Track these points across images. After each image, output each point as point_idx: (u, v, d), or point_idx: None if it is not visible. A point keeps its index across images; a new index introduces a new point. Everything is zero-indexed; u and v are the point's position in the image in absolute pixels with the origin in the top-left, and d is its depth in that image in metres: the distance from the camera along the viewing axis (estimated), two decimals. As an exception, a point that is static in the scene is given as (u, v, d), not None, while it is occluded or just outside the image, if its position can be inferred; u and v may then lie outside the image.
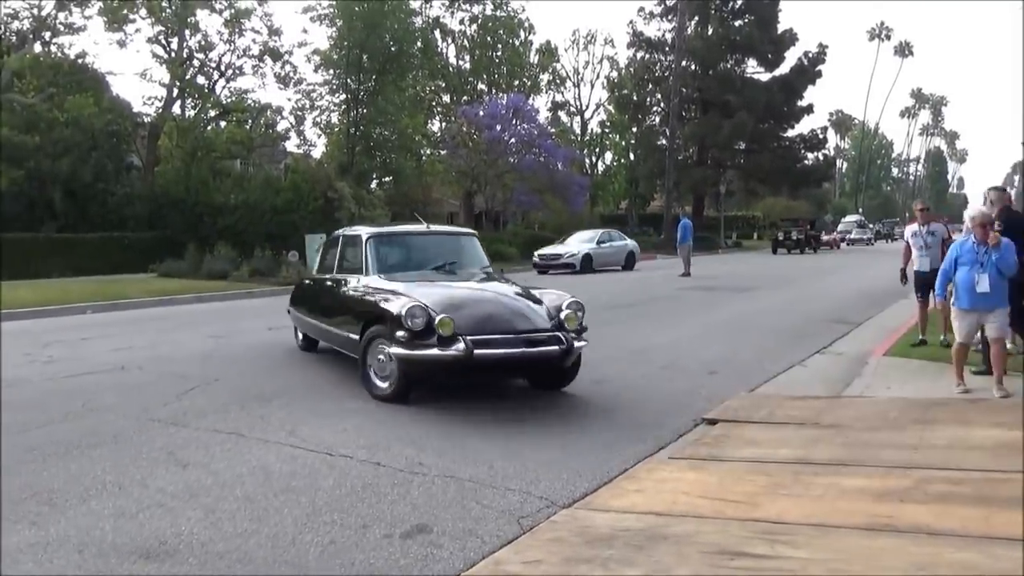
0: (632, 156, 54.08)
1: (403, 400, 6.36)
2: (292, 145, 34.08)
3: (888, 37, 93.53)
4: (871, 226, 64.68)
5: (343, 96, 31.06)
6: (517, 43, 45.61)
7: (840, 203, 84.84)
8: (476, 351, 5.96)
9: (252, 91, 35.01)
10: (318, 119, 32.93)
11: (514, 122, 35.94)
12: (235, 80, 30.13)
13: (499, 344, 6.10)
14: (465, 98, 41.78)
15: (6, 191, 24.13)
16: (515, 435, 5.49)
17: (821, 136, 52.32)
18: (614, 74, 53.43)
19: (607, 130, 55.58)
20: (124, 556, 3.51)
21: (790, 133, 51.22)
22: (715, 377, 7.53)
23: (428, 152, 38.00)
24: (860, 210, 79.31)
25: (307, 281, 9.58)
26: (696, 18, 50.06)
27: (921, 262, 8.95)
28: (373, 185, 32.51)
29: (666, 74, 49.32)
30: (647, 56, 51.21)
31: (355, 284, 7.60)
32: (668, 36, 49.62)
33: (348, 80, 30.25)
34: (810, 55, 49.32)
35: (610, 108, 54.19)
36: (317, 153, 34.74)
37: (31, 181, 24.90)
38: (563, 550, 3.47)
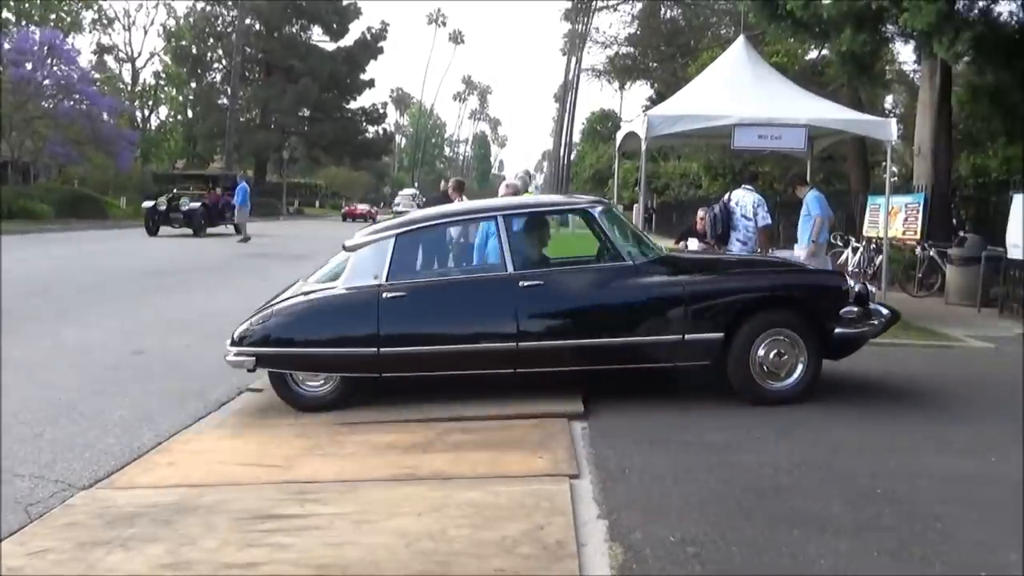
0: (191, 113, 51.08)
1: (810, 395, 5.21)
2: None
3: (444, 24, 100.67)
4: (423, 199, 69.00)
5: None
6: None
7: (399, 177, 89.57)
8: None
9: None
10: None
11: (49, 61, 31.61)
12: None
13: None
14: (-15, 26, 35.65)
15: None
16: (33, 414, 4.90)
17: (382, 111, 54.72)
18: (171, 22, 49.84)
19: (162, 82, 51.70)
20: None
21: (353, 105, 52.73)
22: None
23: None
24: (416, 184, 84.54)
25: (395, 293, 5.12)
26: (261, -24, 48.75)
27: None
28: None
29: (229, 30, 47.35)
30: (208, 8, 48.67)
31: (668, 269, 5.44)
32: (231, -9, 47.64)
33: None
34: (373, 30, 51.17)
35: (166, 59, 50.45)
36: None
37: None
38: (78, 534, 3.20)
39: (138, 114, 48.31)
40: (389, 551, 3.06)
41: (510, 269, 5.18)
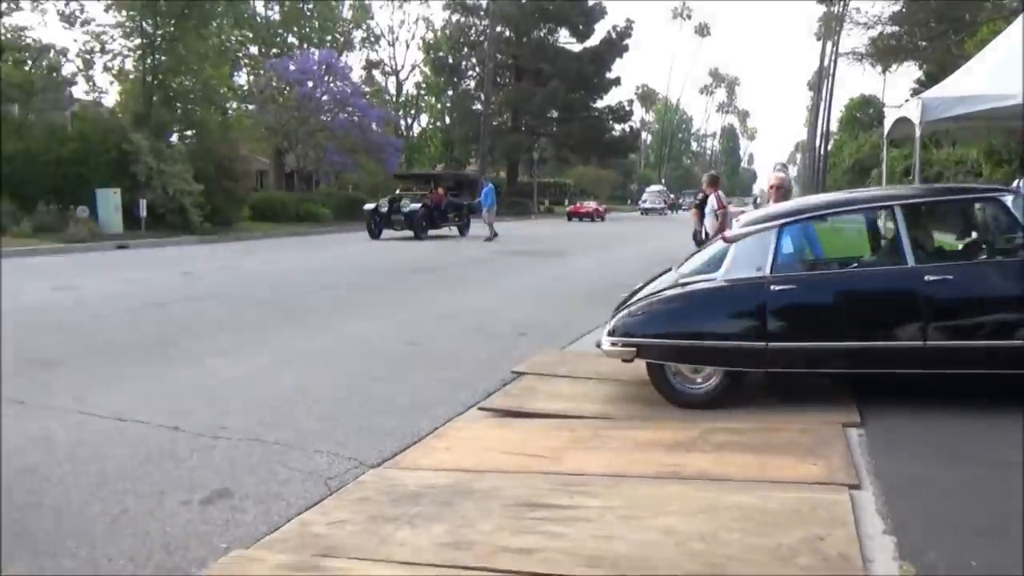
0: (448, 119, 54.13)
1: None
2: (80, 91, 31.33)
3: (689, 17, 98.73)
4: (670, 196, 67.92)
5: (138, 40, 28.83)
6: (330, -4, 44.19)
7: (645, 173, 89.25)
8: None
9: (31, 28, 31.78)
10: (110, 64, 30.38)
11: (327, 79, 34.88)
12: (11, 15, 27.21)
13: None
14: (275, 51, 40.01)
15: None
16: (325, 398, 5.41)
17: (628, 108, 54.55)
18: (430, 35, 53.09)
19: (423, 92, 55.26)
20: None
21: (599, 104, 53.03)
22: (525, 339, 7.75)
23: (235, 106, 36.17)
24: (663, 180, 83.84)
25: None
26: (511, -16, 50.50)
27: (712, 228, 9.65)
28: (174, 138, 30.50)
29: (481, 39, 49.56)
30: (463, 19, 51.22)
31: None
32: (483, 0, 49.79)
33: (144, 23, 28.08)
34: (618, 28, 51.13)
35: (426, 70, 53.86)
36: (110, 102, 32.15)
37: None
38: (369, 509, 3.48)
39: (402, 122, 52.04)
40: (659, 548, 3.04)
41: (911, 262, 4.84)
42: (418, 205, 23.59)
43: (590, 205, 45.18)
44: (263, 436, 4.54)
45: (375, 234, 23.61)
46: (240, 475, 3.94)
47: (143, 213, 22.05)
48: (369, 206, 24.55)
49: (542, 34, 50.96)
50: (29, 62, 27.92)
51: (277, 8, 42.56)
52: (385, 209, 23.83)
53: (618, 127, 53.92)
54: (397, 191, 26.03)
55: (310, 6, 42.92)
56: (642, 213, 55.95)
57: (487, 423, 4.92)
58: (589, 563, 2.93)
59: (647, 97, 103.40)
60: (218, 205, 24.63)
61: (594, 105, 52.72)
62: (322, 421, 4.86)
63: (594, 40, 51.38)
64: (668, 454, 4.20)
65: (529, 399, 5.31)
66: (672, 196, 68.77)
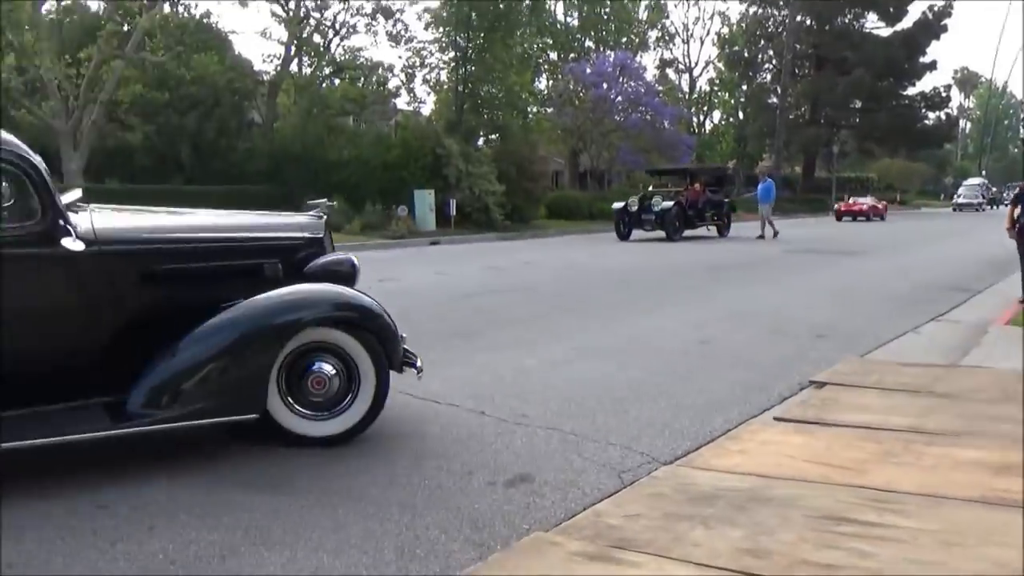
0: (741, 115, 52.47)
1: None
2: (402, 102, 34.54)
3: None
4: (991, 190, 59.81)
5: (452, 54, 31.16)
6: (626, -1, 44.64)
7: (963, 165, 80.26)
8: None
9: (365, 49, 35.56)
10: (428, 77, 33.27)
11: (621, 80, 35.30)
12: (349, 38, 30.78)
13: None
14: (572, 55, 41.23)
15: (139, 145, 25.39)
16: (618, 391, 5.47)
17: (944, 94, 49.35)
18: (725, 30, 51.73)
19: (716, 88, 54.04)
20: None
21: (910, 91, 48.61)
22: (823, 341, 7.29)
23: (535, 110, 37.83)
24: (983, 172, 74.82)
25: None
26: (814, -29, 47.71)
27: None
28: (480, 142, 32.59)
29: (779, 30, 47.43)
30: (760, 11, 49.34)
31: None
32: (783, -10, 47.54)
33: (457, 38, 30.30)
34: (935, 8, 46.43)
35: (720, 65, 52.60)
36: (426, 110, 35.13)
37: (161, 136, 26.11)
38: (663, 505, 3.45)
39: (694, 119, 51.28)
40: (987, 582, 2.69)
41: None
42: (671, 203, 21.47)
43: (864, 202, 37.82)
44: (560, 425, 4.68)
45: (624, 235, 22.00)
46: (539, 461, 4.10)
47: (453, 212, 23.80)
48: (617, 205, 22.76)
49: (847, 20, 47.60)
50: (362, 79, 31.23)
51: (576, 14, 43.81)
52: (635, 208, 21.92)
53: (931, 115, 49.02)
54: (649, 188, 24.21)
55: (607, 10, 43.67)
56: (955, 209, 50.15)
57: (783, 428, 4.67)
58: (902, 589, 2.67)
59: (967, 81, 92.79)
60: (518, 204, 25.94)
61: (904, 93, 48.36)
62: (616, 415, 4.91)
63: (906, 23, 47.05)
64: (995, 477, 3.71)
65: (830, 410, 4.95)
66: (994, 189, 61.00)
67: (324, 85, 30.72)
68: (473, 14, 29.39)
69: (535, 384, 5.65)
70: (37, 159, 3.77)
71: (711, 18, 54.82)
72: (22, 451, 3.60)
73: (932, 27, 46.55)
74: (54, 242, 3.70)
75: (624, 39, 44.64)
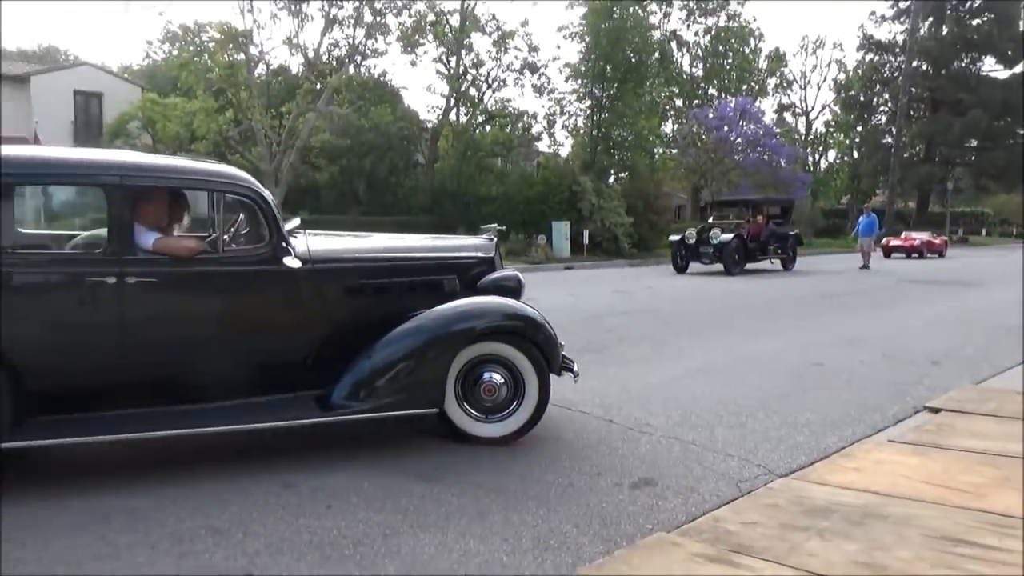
0: (856, 154, 49.69)
1: None
2: (544, 145, 34.85)
3: None
4: None
5: (588, 102, 31.19)
6: (747, 50, 43.37)
7: (1082, 201, 72.55)
8: None
9: (513, 100, 36.22)
10: (566, 123, 33.36)
11: (741, 123, 34.23)
12: (499, 91, 31.33)
13: None
14: (696, 102, 40.42)
15: (325, 183, 26.88)
16: (735, 407, 5.25)
17: (1063, 133, 44.89)
18: (841, 76, 49.24)
19: (831, 129, 51.42)
20: (409, 476, 3.77)
21: (1029, 130, 44.48)
22: (938, 367, 6.73)
23: (661, 151, 37.29)
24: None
25: None
26: (930, 19, 44.78)
27: None
28: (611, 180, 32.40)
29: (895, 75, 44.71)
30: (876, 58, 46.79)
31: None
32: (899, 37, 44.92)
33: (593, 89, 30.32)
34: (1055, 51, 42.44)
35: (835, 109, 50.07)
36: (564, 152, 35.26)
37: (343, 175, 27.53)
38: (779, 515, 3.26)
39: (809, 159, 48.96)
40: (1117, 616, 2.38)
41: None
42: (730, 236, 18.44)
43: (919, 237, 29.06)
44: (681, 436, 4.53)
45: (681, 268, 19.17)
46: (661, 467, 3.98)
47: (586, 241, 23.74)
48: (675, 237, 19.80)
49: (963, 64, 44.33)
50: (509, 125, 31.81)
51: (701, 65, 43.00)
52: (692, 240, 18.92)
53: (1050, 153, 44.58)
54: (710, 219, 21.00)
55: (730, 61, 42.61)
56: None
57: (898, 448, 4.32)
58: (1024, 615, 2.40)
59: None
60: (643, 235, 25.60)
61: (1021, 132, 44.35)
62: (733, 428, 4.71)
63: (1024, 65, 43.28)
64: (1124, 510, 3.29)
65: (945, 435, 4.54)
66: None
67: (477, 131, 31.49)
68: (608, 67, 29.37)
69: (658, 396, 5.51)
70: (267, 193, 4.05)
71: (828, 65, 52.47)
72: (240, 434, 3.84)
73: (1051, 69, 42.62)
74: (278, 261, 3.94)
75: (744, 86, 43.34)
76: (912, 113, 44.89)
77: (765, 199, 23.44)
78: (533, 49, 30.11)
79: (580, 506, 3.44)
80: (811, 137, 50.65)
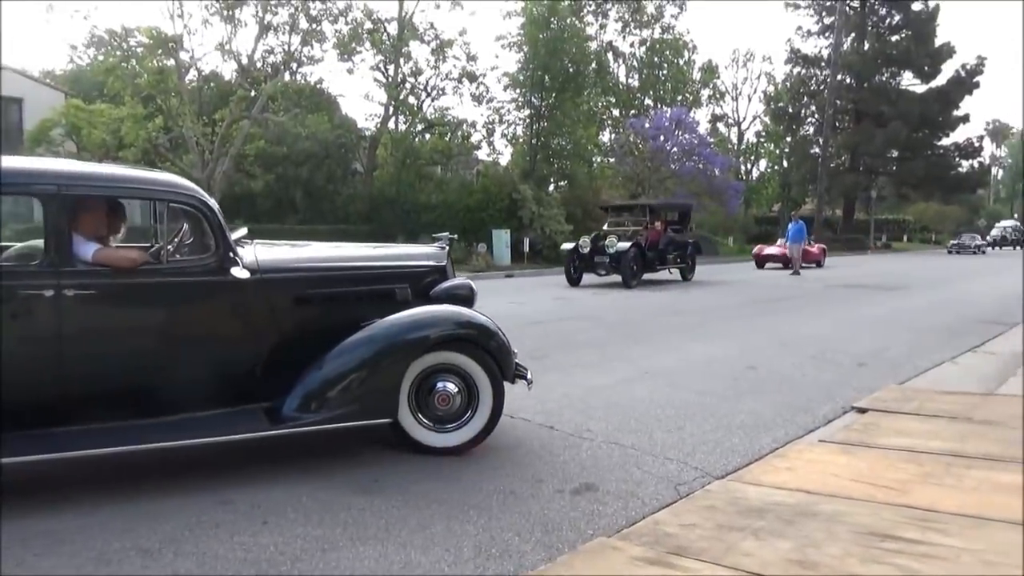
0: (785, 163, 51.31)
1: None
2: (483, 154, 34.90)
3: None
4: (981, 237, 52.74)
5: (527, 112, 31.40)
6: (681, 62, 44.34)
7: (994, 209, 76.73)
8: None
9: (452, 108, 36.18)
10: (505, 132, 33.48)
11: (676, 133, 34.98)
12: (438, 99, 31.24)
13: None
14: (633, 112, 41.12)
15: (260, 191, 26.33)
16: (673, 411, 5.34)
17: (977, 145, 47.39)
18: (771, 88, 50.81)
19: (762, 139, 52.99)
20: (347, 488, 3.71)
21: (945, 142, 46.80)
22: (864, 369, 6.99)
23: (599, 159, 37.78)
24: (1015, 215, 71.39)
25: None
26: (853, 34, 46.68)
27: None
28: (551, 188, 32.67)
29: (821, 88, 46.40)
30: (803, 71, 48.43)
31: None
32: (824, 52, 46.64)
33: (532, 98, 30.55)
34: (968, 67, 44.78)
35: (766, 120, 51.62)
36: (504, 160, 35.40)
37: (279, 183, 27.03)
38: (717, 517, 3.32)
39: (742, 167, 50.33)
40: (1030, 602, 2.50)
41: None
42: (627, 245, 16.56)
43: (777, 249, 25.80)
44: (621, 440, 4.58)
45: (574, 280, 17.19)
46: (602, 472, 4.01)
47: (526, 249, 23.86)
48: (567, 246, 17.86)
49: (884, 78, 46.32)
50: (448, 134, 31.77)
51: (637, 76, 43.77)
52: (587, 250, 16.94)
53: (965, 163, 47.05)
54: (604, 227, 18.74)
55: (665, 72, 43.51)
56: (950, 251, 43.19)
57: (828, 448, 4.47)
58: (946, 604, 2.50)
59: (998, 132, 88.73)
60: (583, 242, 25.85)
61: (938, 143, 46.60)
62: (671, 432, 4.79)
63: (940, 80, 45.52)
64: (1036, 501, 3.46)
65: (872, 434, 4.71)
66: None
67: (416, 139, 31.34)
68: (546, 77, 29.64)
69: (598, 402, 5.57)
70: (212, 202, 3.93)
71: (758, 78, 54.15)
72: (177, 449, 3.71)
73: (965, 83, 44.88)
74: (225, 272, 3.85)
75: (679, 97, 44.30)
76: (837, 124, 46.63)
77: (663, 203, 21.72)
78: (472, 58, 30.14)
79: (522, 514, 3.44)
80: (743, 147, 52.11)
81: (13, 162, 3.80)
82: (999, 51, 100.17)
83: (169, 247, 3.97)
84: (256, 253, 4.14)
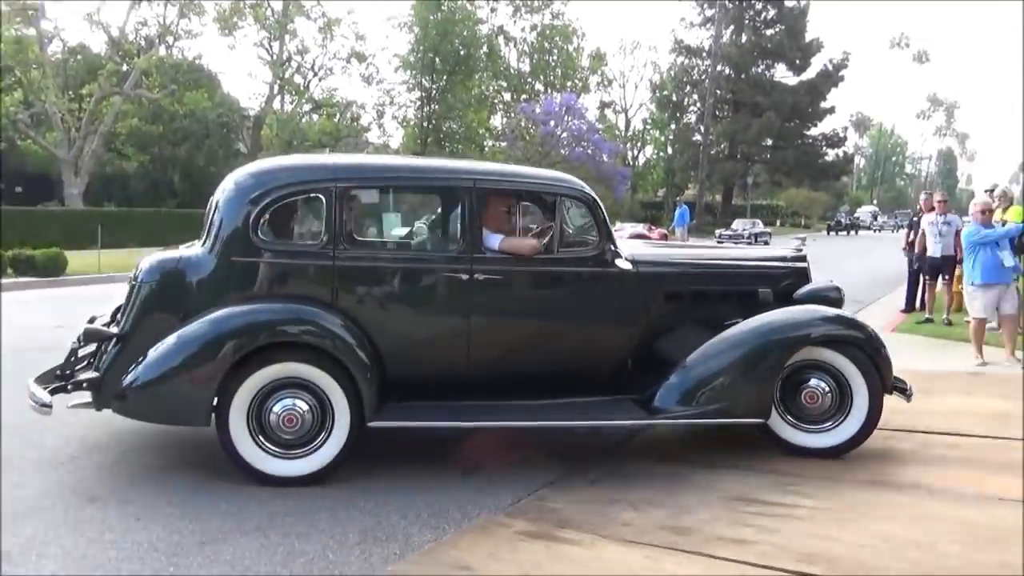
0: (670, 150, 53.21)
1: None
2: (374, 136, 34.35)
3: (907, 46, 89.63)
4: (884, 219, 59.77)
5: (418, 94, 31.20)
6: (571, 48, 45.02)
7: (857, 195, 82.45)
8: None
9: (340, 89, 35.30)
10: (396, 114, 33.15)
11: (566, 118, 35.56)
12: (326, 79, 30.47)
13: None
14: (524, 97, 41.46)
15: (134, 172, 24.82)
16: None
17: (842, 135, 50.74)
18: (656, 77, 52.45)
19: (648, 126, 54.70)
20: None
21: (813, 132, 49.80)
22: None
23: (490, 144, 37.92)
24: (875, 202, 77.08)
25: None
26: (731, 27, 48.75)
27: (934, 248, 8.63)
28: (442, 172, 32.57)
29: (703, 77, 48.27)
30: (686, 61, 50.18)
31: None
32: (706, 43, 48.53)
33: (423, 80, 30.34)
34: (834, 61, 47.77)
35: (651, 107, 53.30)
36: (395, 143, 34.97)
37: (155, 164, 25.59)
38: (598, 492, 3.43)
39: (629, 154, 51.81)
40: (874, 553, 2.75)
41: None
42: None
43: (632, 230, 25.02)
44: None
45: None
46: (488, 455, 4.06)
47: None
48: None
49: (760, 70, 48.72)
50: (337, 115, 31.03)
51: (528, 61, 44.12)
52: None
53: (831, 152, 50.28)
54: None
55: (555, 58, 44.06)
56: (719, 240, 45.35)
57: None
58: (804, 559, 2.70)
59: (861, 123, 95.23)
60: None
61: (808, 133, 49.57)
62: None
63: (810, 73, 48.34)
64: (885, 464, 3.80)
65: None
66: (886, 219, 61.92)
67: (303, 120, 30.43)
68: (437, 59, 29.47)
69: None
70: (596, 197, 4.09)
71: (644, 66, 55.90)
72: (27, 447, 3.46)
73: (832, 77, 47.84)
74: (610, 263, 3.97)
75: (569, 83, 44.99)
76: (717, 113, 48.69)
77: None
78: (360, 38, 29.56)
79: (409, 497, 3.44)
80: (630, 133, 53.62)
81: (436, 162, 4.48)
82: (862, 47, 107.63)
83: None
84: (627, 247, 4.25)
